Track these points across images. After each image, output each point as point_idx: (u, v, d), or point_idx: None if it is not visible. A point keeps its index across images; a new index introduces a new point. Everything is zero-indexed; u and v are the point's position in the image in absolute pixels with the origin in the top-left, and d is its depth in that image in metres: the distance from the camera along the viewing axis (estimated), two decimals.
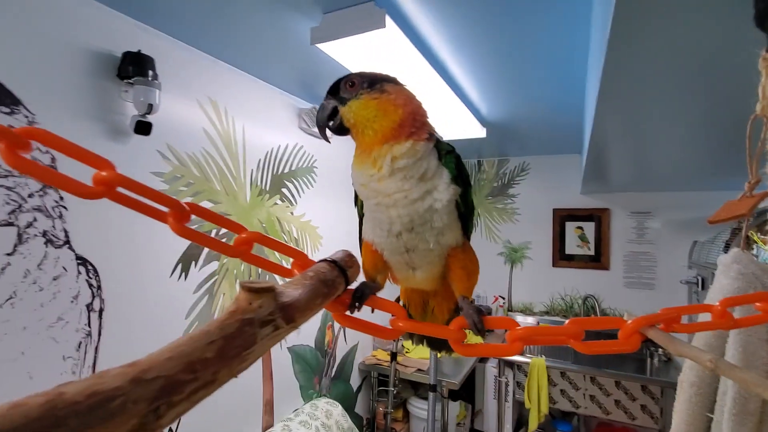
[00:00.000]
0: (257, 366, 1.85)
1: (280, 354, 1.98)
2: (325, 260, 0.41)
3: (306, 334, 2.17)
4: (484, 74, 1.66)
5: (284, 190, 2.02)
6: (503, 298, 3.31)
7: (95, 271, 1.22)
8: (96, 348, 1.22)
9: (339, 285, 0.39)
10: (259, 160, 1.87)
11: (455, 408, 2.66)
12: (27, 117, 1.06)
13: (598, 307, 2.94)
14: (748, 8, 0.48)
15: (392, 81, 0.49)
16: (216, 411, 1.61)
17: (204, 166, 1.58)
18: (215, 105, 1.63)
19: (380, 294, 0.48)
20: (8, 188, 1.02)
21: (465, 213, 0.48)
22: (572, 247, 3.14)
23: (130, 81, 1.21)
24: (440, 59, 1.50)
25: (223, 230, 1.57)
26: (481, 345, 0.42)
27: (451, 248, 0.49)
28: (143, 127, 1.24)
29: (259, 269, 1.78)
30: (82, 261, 1.18)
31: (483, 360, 2.77)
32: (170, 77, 1.41)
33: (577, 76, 1.63)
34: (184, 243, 1.50)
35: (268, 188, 1.91)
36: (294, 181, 2.09)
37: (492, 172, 3.46)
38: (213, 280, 1.63)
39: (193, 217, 0.37)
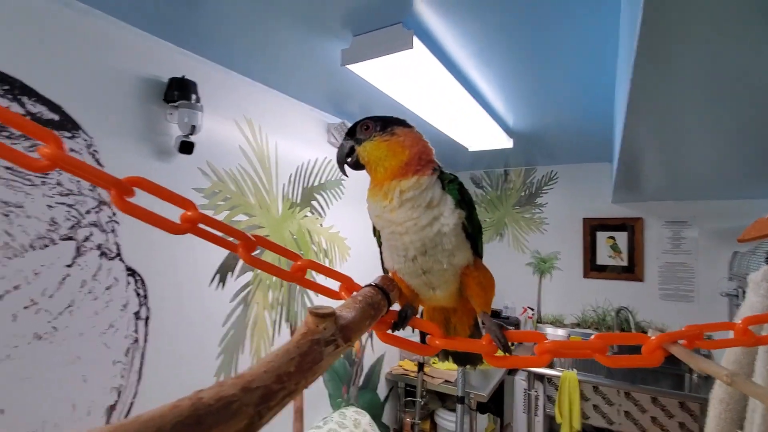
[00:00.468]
0: None
1: None
2: (370, 285, 0.47)
3: None
4: (511, 87, 1.68)
5: (314, 203, 2.09)
6: (532, 309, 3.26)
7: (142, 281, 1.30)
8: (142, 354, 1.31)
9: (383, 307, 0.45)
10: (291, 174, 1.94)
11: (483, 421, 2.63)
12: (86, 140, 1.16)
13: (632, 320, 2.85)
14: None
15: (402, 124, 0.55)
16: None
17: (240, 182, 1.66)
18: (250, 123, 1.72)
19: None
20: (69, 206, 1.12)
21: (472, 233, 0.53)
22: (604, 257, 3.07)
23: (175, 104, 1.31)
24: (467, 74, 1.54)
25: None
26: (512, 357, 0.45)
27: (463, 267, 0.53)
28: (186, 147, 1.33)
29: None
30: (131, 272, 1.27)
31: (512, 372, 2.73)
32: (211, 99, 1.51)
33: (605, 83, 1.61)
34: (222, 254, 1.58)
35: (298, 201, 1.98)
36: (323, 193, 2.16)
37: (519, 181, 3.44)
38: (248, 289, 1.71)
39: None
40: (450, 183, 0.51)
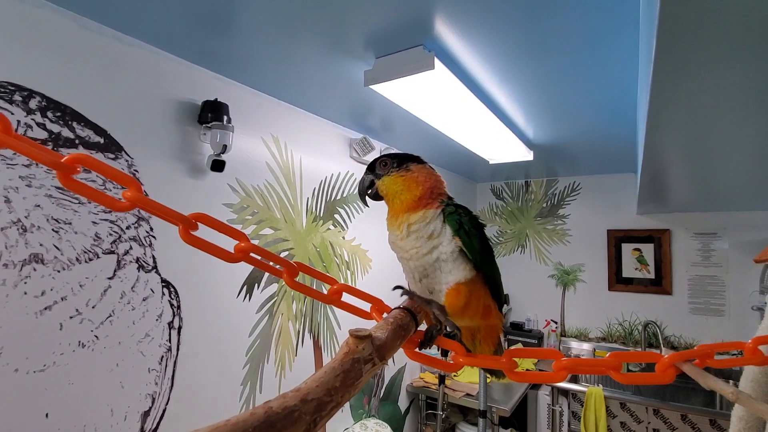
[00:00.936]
0: None
1: None
2: (398, 308, 0.52)
3: None
4: (531, 101, 1.70)
5: (336, 216, 2.14)
6: (555, 323, 3.21)
7: (176, 292, 1.37)
8: (175, 362, 1.37)
9: (411, 327, 0.50)
10: (314, 188, 2.01)
11: None
12: (127, 161, 1.25)
13: (660, 335, 2.78)
14: None
15: (416, 160, 0.62)
16: None
17: (266, 197, 1.73)
18: (276, 140, 1.79)
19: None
20: (111, 222, 1.20)
21: (473, 258, 0.56)
22: (630, 269, 3.01)
23: (208, 125, 1.39)
24: (487, 91, 1.57)
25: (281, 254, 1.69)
26: (531, 372, 0.48)
27: (457, 283, 0.57)
28: (218, 165, 1.40)
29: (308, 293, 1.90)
30: (166, 284, 1.34)
31: (535, 387, 2.69)
32: (240, 119, 1.59)
33: (627, 93, 1.60)
34: (249, 267, 1.64)
35: (321, 214, 2.04)
36: (345, 207, 2.21)
37: (540, 192, 3.42)
38: (273, 301, 1.76)
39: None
40: (449, 215, 0.57)
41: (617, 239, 3.07)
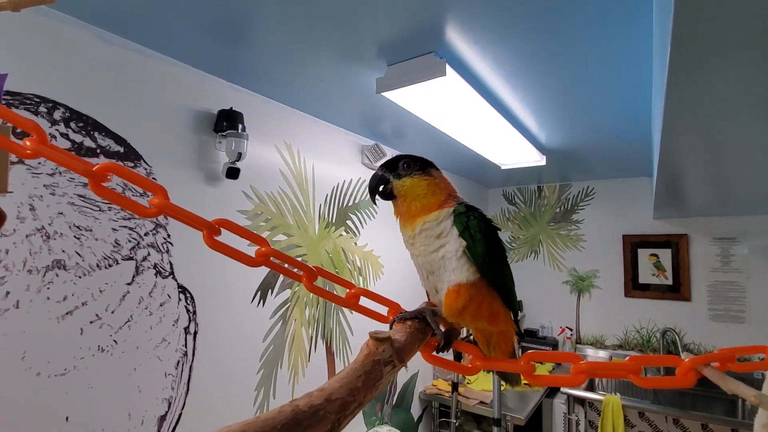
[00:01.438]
0: None
1: None
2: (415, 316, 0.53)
3: None
4: (543, 106, 1.70)
5: (348, 222, 2.15)
6: (570, 330, 3.16)
7: (192, 298, 1.40)
8: (190, 367, 1.39)
9: (429, 331, 0.51)
10: (326, 194, 2.02)
11: None
12: (146, 169, 1.28)
13: (679, 342, 2.71)
14: None
15: (434, 166, 0.63)
16: None
17: (280, 203, 1.75)
18: (290, 148, 1.82)
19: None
20: (130, 229, 1.23)
21: (474, 260, 0.57)
22: (646, 275, 2.96)
23: (223, 134, 1.42)
24: (498, 97, 1.57)
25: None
26: (548, 376, 0.48)
27: (458, 283, 0.57)
28: (233, 173, 1.43)
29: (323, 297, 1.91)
30: (182, 289, 1.37)
31: (550, 395, 2.65)
32: (254, 127, 1.61)
33: (641, 96, 1.58)
34: (263, 272, 1.66)
35: (334, 221, 2.06)
36: (357, 213, 2.22)
37: (553, 197, 3.39)
38: (286, 306, 1.77)
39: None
40: (458, 215, 0.58)
41: (633, 244, 3.02)
